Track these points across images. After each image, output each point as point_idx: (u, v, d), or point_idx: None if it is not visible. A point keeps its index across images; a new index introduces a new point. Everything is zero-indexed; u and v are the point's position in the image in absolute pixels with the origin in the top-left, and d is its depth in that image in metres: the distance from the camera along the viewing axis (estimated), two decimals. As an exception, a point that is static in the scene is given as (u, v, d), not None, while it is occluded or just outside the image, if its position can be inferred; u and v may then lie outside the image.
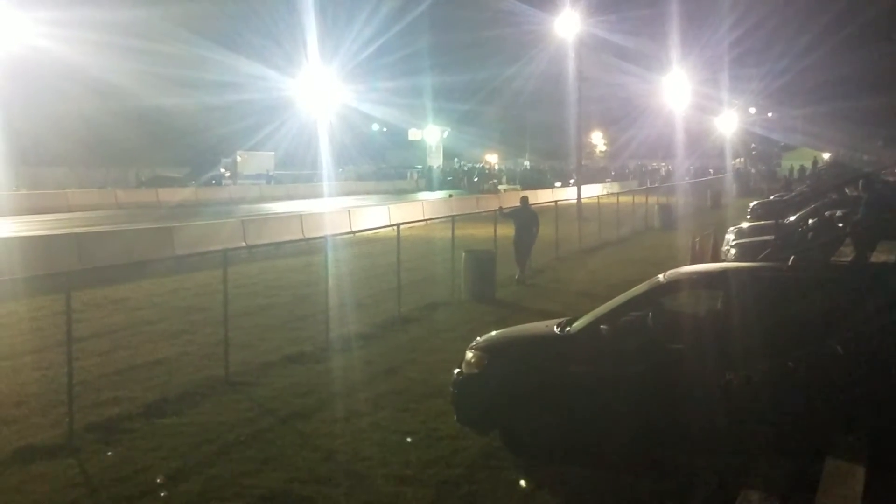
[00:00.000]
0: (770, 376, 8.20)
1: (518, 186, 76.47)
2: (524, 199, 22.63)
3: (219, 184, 75.38)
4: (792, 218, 23.21)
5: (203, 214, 39.62)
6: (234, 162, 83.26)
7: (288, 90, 76.21)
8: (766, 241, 19.07)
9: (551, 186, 71.24)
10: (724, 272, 9.88)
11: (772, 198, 38.14)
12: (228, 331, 12.48)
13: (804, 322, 8.55)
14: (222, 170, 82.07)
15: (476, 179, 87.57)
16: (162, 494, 8.33)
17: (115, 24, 63.11)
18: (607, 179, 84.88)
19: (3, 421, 10.37)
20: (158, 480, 8.58)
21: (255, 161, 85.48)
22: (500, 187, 78.94)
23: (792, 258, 9.41)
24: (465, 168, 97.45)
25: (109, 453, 9.34)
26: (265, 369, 12.81)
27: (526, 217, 21.75)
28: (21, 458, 9.12)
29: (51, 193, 56.95)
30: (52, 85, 65.25)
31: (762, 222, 25.33)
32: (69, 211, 49.11)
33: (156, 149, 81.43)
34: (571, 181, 73.10)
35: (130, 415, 10.55)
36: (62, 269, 16.95)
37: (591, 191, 56.04)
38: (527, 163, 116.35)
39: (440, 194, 69.09)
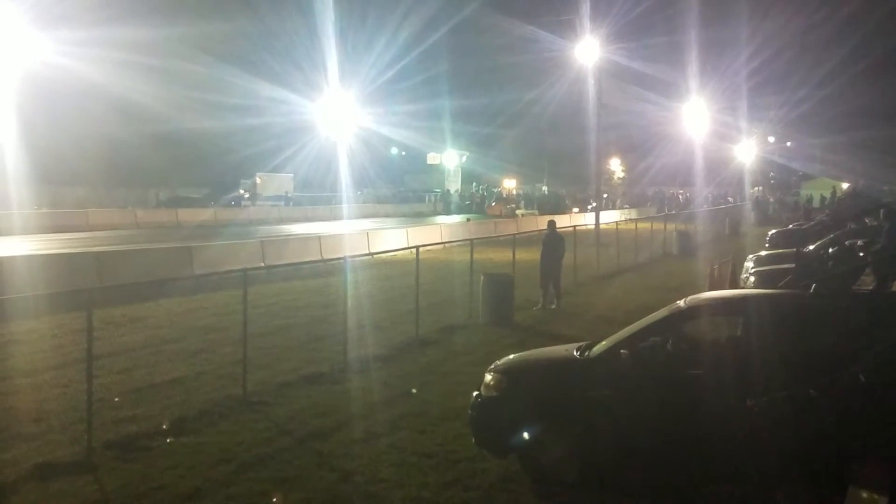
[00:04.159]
0: (792, 404, 8.14)
1: (536, 211, 76.41)
2: (551, 224, 22.56)
3: (238, 205, 75.78)
4: (812, 246, 23.09)
5: (223, 235, 39.83)
6: (254, 184, 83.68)
7: (308, 113, 76.66)
8: (785, 270, 18.95)
9: (569, 212, 71.31)
10: (745, 299, 9.85)
11: (790, 226, 37.96)
12: (247, 350, 12.52)
13: (826, 350, 8.50)
14: (242, 191, 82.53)
15: (493, 203, 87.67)
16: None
17: (138, 44, 63.65)
18: (625, 206, 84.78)
19: (22, 437, 10.42)
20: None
21: (274, 183, 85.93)
22: (517, 212, 78.90)
23: (814, 286, 9.38)
24: (484, 191, 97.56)
25: (127, 471, 9.37)
26: (283, 389, 12.83)
27: (552, 240, 21.71)
28: (40, 474, 9.15)
29: (71, 212, 57.35)
30: (75, 104, 65.79)
31: (781, 250, 25.19)
32: (89, 230, 49.44)
33: (177, 170, 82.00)
34: (590, 206, 72.97)
35: (149, 433, 10.57)
36: (82, 288, 17.04)
37: (610, 217, 55.99)
38: (545, 188, 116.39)
39: (458, 218, 69.19)
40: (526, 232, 37.02)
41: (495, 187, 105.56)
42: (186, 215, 61.41)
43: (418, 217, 72.96)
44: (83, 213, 56.82)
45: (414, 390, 11.34)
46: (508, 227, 47.87)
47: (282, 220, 63.28)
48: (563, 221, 24.19)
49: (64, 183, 72.19)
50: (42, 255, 26.92)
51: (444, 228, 45.93)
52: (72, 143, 67.85)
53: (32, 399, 12.17)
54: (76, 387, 12.15)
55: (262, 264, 26.24)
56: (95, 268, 23.18)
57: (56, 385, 12.92)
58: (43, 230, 45.13)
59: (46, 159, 63.81)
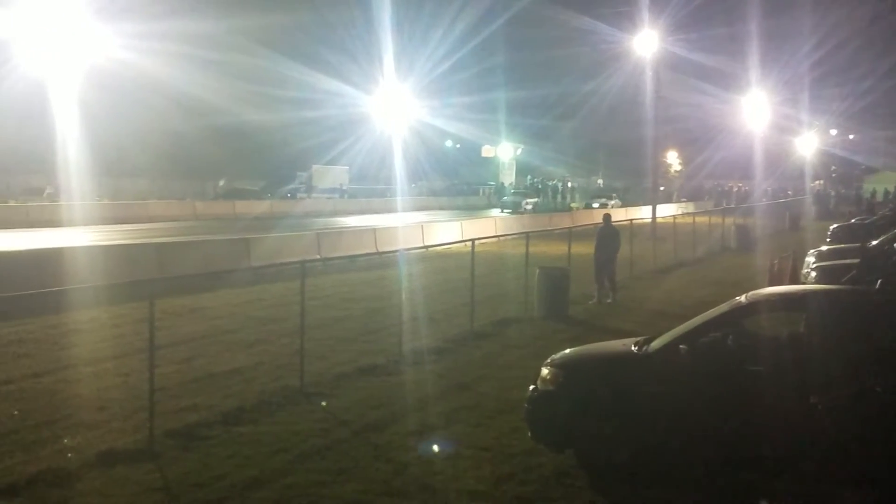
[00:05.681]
0: (855, 402, 8.00)
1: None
2: (606, 217, 22.45)
3: (294, 197, 76.39)
4: (875, 241, 22.62)
5: (279, 227, 40.19)
6: (310, 176, 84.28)
7: (363, 106, 77.03)
8: (848, 265, 18.62)
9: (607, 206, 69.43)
10: (808, 295, 9.67)
11: (853, 221, 37.28)
12: (304, 342, 12.62)
13: (891, 348, 8.32)
14: (299, 184, 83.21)
15: (516, 200, 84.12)
16: (239, 501, 8.45)
17: (197, 37, 64.42)
18: (682, 199, 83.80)
19: (86, 425, 10.62)
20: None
21: (329, 175, 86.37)
22: (572, 205, 78.42)
23: (879, 282, 9.19)
24: (538, 184, 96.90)
25: (188, 459, 9.51)
26: (339, 381, 12.91)
27: (606, 234, 21.59)
28: (103, 461, 9.31)
29: (132, 204, 58.28)
30: (136, 97, 66.82)
31: (843, 245, 24.74)
32: (149, 221, 50.17)
33: (235, 162, 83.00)
34: (612, 203, 71.12)
35: (208, 422, 10.71)
36: (143, 278, 17.33)
37: (667, 210, 55.45)
38: (600, 181, 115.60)
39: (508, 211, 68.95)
40: (581, 225, 36.79)
41: (550, 180, 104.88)
42: (243, 207, 62.08)
43: (472, 210, 72.78)
44: (143, 205, 57.72)
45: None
46: (563, 221, 47.65)
47: (336, 213, 63.65)
48: (618, 215, 24.06)
49: (125, 175, 73.50)
50: (103, 246, 27.41)
51: (498, 221, 45.92)
52: (133, 136, 68.98)
53: (95, 387, 12.41)
54: (138, 376, 12.36)
55: (318, 256, 26.40)
56: (156, 258, 23.53)
57: (118, 374, 13.15)
58: (104, 221, 45.88)
59: (108, 152, 64.99)
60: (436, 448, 9.83)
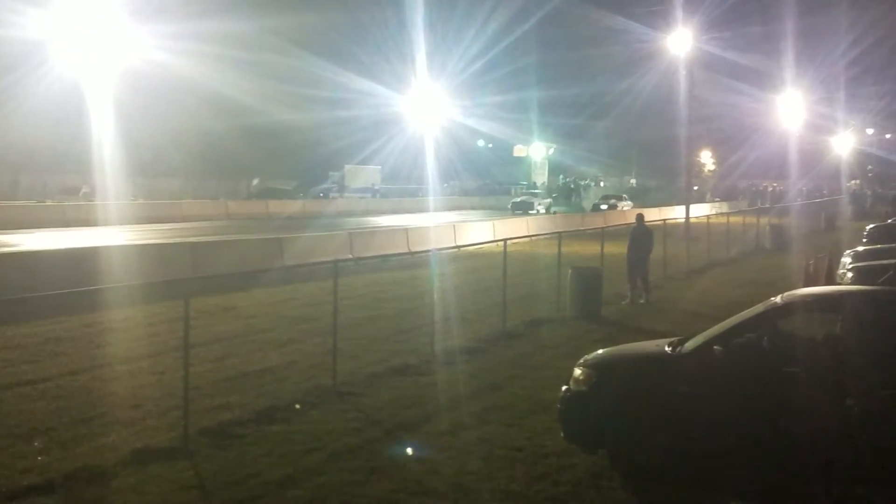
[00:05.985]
0: (891, 404, 7.90)
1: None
2: (639, 217, 22.37)
3: (326, 197, 76.72)
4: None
5: (311, 226, 40.35)
6: (342, 176, 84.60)
7: (396, 106, 77.21)
8: (884, 266, 18.42)
9: (616, 208, 67.77)
10: (845, 295, 9.57)
11: (889, 221, 36.79)
12: (336, 341, 12.65)
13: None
14: (332, 183, 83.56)
15: (545, 199, 78.06)
16: (272, 499, 8.49)
17: (230, 38, 64.96)
18: (716, 199, 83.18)
19: (121, 423, 10.71)
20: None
21: (362, 175, 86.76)
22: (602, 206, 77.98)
23: (918, 283, 9.08)
24: (571, 184, 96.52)
25: (222, 457, 9.57)
26: (372, 380, 12.93)
27: (639, 234, 21.49)
28: (138, 459, 9.38)
29: (166, 203, 58.88)
30: (170, 98, 67.44)
31: (880, 246, 24.44)
32: (183, 221, 50.60)
33: (268, 162, 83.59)
34: (622, 205, 70.25)
35: (242, 420, 10.76)
36: (177, 277, 17.45)
37: (699, 210, 55.08)
38: (633, 180, 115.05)
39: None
40: (614, 225, 36.64)
41: (582, 179, 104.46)
42: (276, 206, 62.43)
43: (504, 210, 72.57)
44: (177, 205, 58.32)
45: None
46: (596, 221, 47.47)
47: (369, 212, 63.84)
48: (651, 215, 23.94)
49: (159, 175, 74.22)
50: (138, 245, 27.66)
51: (530, 221, 45.83)
52: (167, 136, 69.67)
53: (130, 385, 12.52)
54: (172, 374, 12.44)
55: (351, 256, 26.49)
56: (190, 258, 23.70)
57: (153, 372, 13.25)
58: (139, 221, 46.30)
59: (143, 152, 65.66)
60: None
